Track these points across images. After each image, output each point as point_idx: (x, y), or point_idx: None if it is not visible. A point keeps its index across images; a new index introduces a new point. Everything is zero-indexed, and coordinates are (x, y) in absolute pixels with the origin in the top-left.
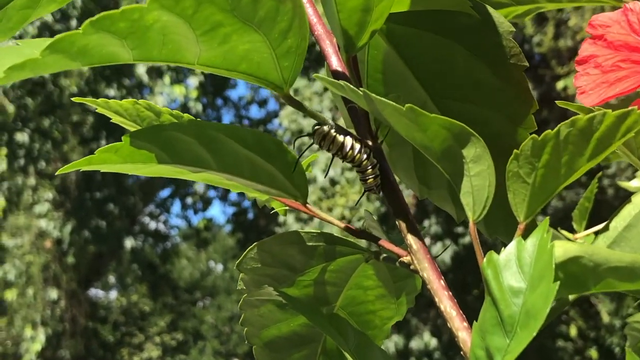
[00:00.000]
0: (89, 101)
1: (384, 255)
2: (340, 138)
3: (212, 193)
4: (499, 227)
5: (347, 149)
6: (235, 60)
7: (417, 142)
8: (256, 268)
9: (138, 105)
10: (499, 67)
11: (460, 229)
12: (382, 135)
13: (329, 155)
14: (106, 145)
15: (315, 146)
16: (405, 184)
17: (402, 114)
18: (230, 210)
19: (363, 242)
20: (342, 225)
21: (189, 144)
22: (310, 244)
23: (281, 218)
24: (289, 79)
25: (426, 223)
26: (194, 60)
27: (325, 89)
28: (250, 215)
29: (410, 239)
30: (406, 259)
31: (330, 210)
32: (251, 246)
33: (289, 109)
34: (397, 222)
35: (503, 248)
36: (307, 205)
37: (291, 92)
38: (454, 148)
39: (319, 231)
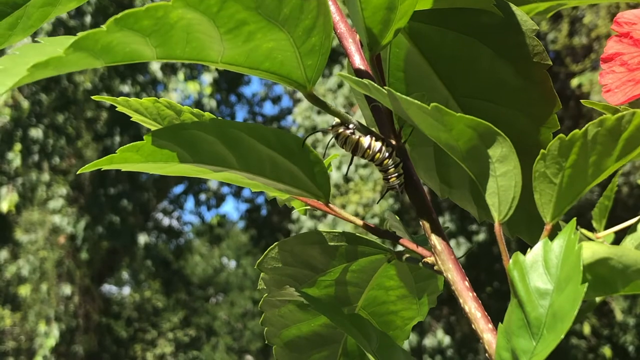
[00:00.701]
0: (109, 99)
1: (407, 255)
2: (361, 138)
3: (225, 189)
4: (522, 227)
5: (368, 149)
6: (259, 58)
7: (441, 142)
8: (277, 268)
9: (158, 104)
10: (522, 66)
11: (474, 227)
12: (406, 135)
13: (345, 151)
14: (127, 145)
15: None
16: (426, 183)
17: (427, 112)
18: (244, 206)
19: (384, 242)
20: (362, 223)
21: (211, 143)
22: (332, 244)
23: (294, 215)
24: (313, 78)
25: (440, 220)
26: (217, 58)
27: (339, 86)
28: (264, 212)
29: (434, 239)
30: (430, 259)
31: (343, 207)
32: (272, 246)
33: (302, 105)
34: (420, 222)
35: (529, 249)
36: (330, 204)
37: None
38: (480, 148)
39: (340, 231)
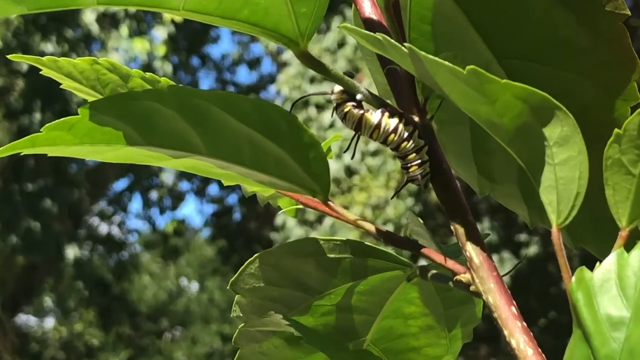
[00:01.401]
0: (31, 60)
1: (433, 271)
2: (367, 113)
3: (184, 185)
4: (587, 234)
5: (377, 127)
6: (235, 4)
7: (480, 118)
8: (258, 288)
9: (98, 66)
10: (589, 17)
11: (523, 236)
12: (433, 109)
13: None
14: (56, 121)
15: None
16: (459, 175)
17: (462, 79)
18: (209, 208)
19: (402, 254)
20: (373, 228)
21: (170, 118)
22: (332, 256)
23: (279, 220)
24: (308, 31)
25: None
26: (178, 4)
27: (340, 45)
28: (237, 216)
29: (471, 249)
30: (464, 277)
31: (345, 209)
32: (252, 258)
33: (290, 71)
34: (451, 227)
35: (598, 264)
36: (330, 202)
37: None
38: (533, 126)
39: (344, 239)
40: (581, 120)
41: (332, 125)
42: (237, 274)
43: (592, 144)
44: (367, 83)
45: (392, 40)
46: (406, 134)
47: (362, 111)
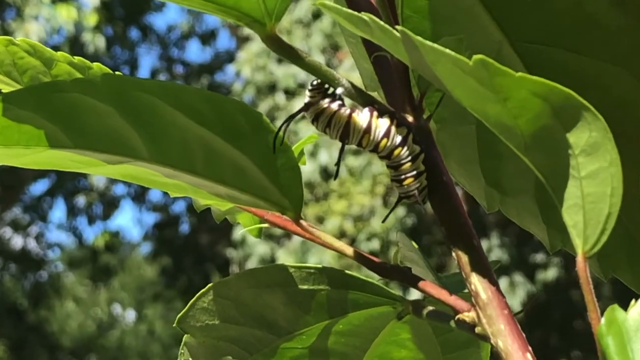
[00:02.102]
0: None
1: (430, 308)
2: (355, 114)
3: (119, 189)
4: (621, 261)
5: (367, 132)
6: None
7: (490, 119)
8: (212, 326)
9: (14, 47)
10: None
11: (538, 258)
12: (430, 106)
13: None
14: None
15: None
16: (462, 186)
17: (468, 71)
18: (150, 218)
19: (390, 285)
20: (352, 252)
21: (104, 115)
22: (305, 287)
23: (237, 234)
24: (276, 9)
25: (483, 246)
26: None
27: (316, 16)
28: (184, 228)
29: (477, 282)
30: (469, 315)
31: (321, 221)
32: (204, 289)
33: (252, 48)
34: (453, 253)
35: (634, 301)
36: (302, 221)
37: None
38: (554, 130)
39: (319, 266)
40: (614, 120)
41: (303, 116)
42: (185, 309)
43: (627, 149)
44: (348, 65)
45: (381, 22)
46: (399, 139)
47: (348, 111)
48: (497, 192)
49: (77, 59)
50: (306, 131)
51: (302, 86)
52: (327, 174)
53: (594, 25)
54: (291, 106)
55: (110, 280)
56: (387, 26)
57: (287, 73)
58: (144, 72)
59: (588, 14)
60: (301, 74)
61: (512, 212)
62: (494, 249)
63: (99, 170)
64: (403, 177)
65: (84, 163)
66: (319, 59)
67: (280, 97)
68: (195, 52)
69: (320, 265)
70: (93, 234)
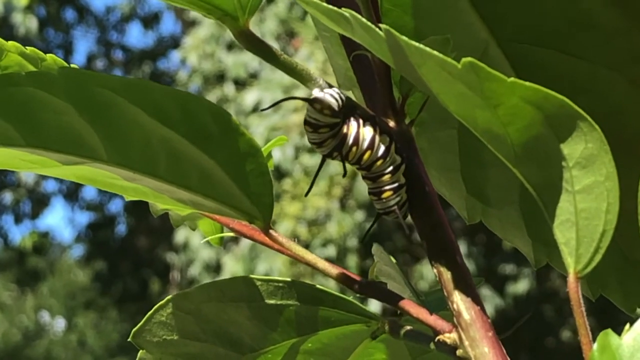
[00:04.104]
0: None
1: (408, 327)
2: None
3: (50, 185)
4: (610, 278)
5: (357, 144)
6: None
7: (478, 127)
8: (170, 342)
9: None
10: None
11: (508, 269)
12: (413, 111)
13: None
14: None
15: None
16: (441, 194)
17: (456, 74)
18: (83, 218)
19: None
20: (335, 271)
21: (60, 112)
22: (272, 302)
23: (180, 236)
24: (250, 3)
25: None
26: None
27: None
28: (121, 229)
29: (460, 301)
30: (450, 337)
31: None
32: (162, 302)
33: (200, 33)
34: (434, 269)
35: (628, 326)
36: (271, 231)
37: None
38: (547, 140)
39: (288, 280)
40: (607, 128)
41: (255, 109)
42: (142, 322)
43: (624, 161)
44: (304, 54)
45: (364, 20)
46: (382, 149)
47: (356, 125)
48: (480, 202)
49: (29, 49)
50: (257, 126)
51: (253, 76)
52: (279, 173)
53: (588, 26)
54: (241, 98)
55: (38, 285)
56: (369, 24)
57: (238, 62)
58: (79, 57)
59: (582, 13)
60: (253, 63)
61: (494, 224)
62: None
63: (52, 171)
64: (382, 189)
65: (37, 163)
66: (273, 45)
67: (229, 88)
68: (136, 36)
69: (289, 279)
70: (20, 234)
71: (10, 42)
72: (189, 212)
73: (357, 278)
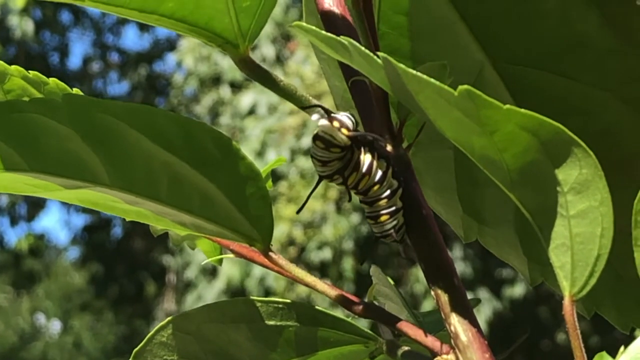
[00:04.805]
0: None
1: (405, 348)
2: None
3: None
4: (605, 298)
5: (357, 169)
6: None
7: (475, 153)
8: None
9: None
10: (615, 10)
11: (504, 272)
12: (411, 135)
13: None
14: None
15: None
16: (438, 214)
17: (453, 102)
18: (79, 220)
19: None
20: (334, 293)
21: (64, 138)
22: (272, 323)
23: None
24: (250, 31)
25: None
26: None
27: None
28: (117, 231)
29: (457, 323)
30: (447, 358)
31: None
32: (163, 322)
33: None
34: (432, 291)
35: (623, 348)
36: (271, 253)
37: None
38: (542, 166)
39: (288, 301)
40: (600, 148)
41: (252, 111)
42: (143, 342)
43: (617, 180)
44: (300, 57)
45: (362, 48)
46: (380, 174)
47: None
48: (475, 222)
49: (32, 73)
50: (253, 128)
51: (249, 79)
52: (275, 176)
53: (582, 48)
54: (237, 100)
55: (34, 287)
56: (368, 52)
57: (234, 64)
58: (75, 59)
59: (576, 35)
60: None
61: (490, 242)
62: (456, 261)
63: (55, 194)
64: (379, 214)
65: (41, 187)
66: (268, 49)
67: (225, 91)
68: (132, 38)
69: (289, 300)
70: (16, 237)
71: (14, 66)
72: (189, 232)
73: (356, 300)
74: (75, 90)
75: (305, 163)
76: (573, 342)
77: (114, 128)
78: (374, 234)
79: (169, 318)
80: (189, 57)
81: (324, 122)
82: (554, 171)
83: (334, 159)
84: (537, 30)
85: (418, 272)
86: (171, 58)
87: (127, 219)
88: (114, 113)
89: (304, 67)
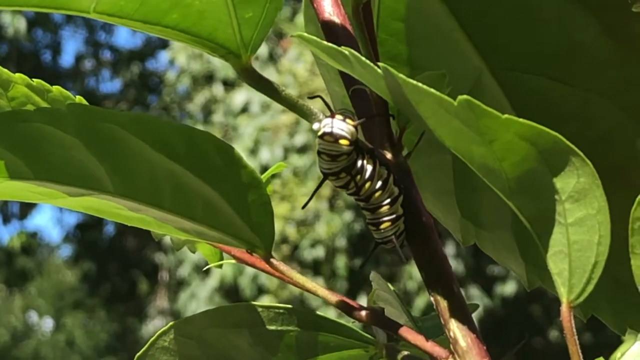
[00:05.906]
0: None
1: (405, 353)
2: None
3: None
4: (601, 302)
5: (361, 174)
6: (162, 5)
7: (474, 162)
8: None
9: None
10: (613, 18)
11: (496, 269)
12: (410, 143)
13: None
14: None
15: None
16: (437, 218)
17: (452, 111)
18: (71, 218)
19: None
20: (334, 298)
21: (69, 147)
22: (273, 328)
23: (166, 237)
24: (253, 41)
25: None
26: (88, 5)
27: None
28: (109, 229)
29: (456, 329)
30: None
31: None
32: (165, 327)
33: None
34: (431, 297)
35: (619, 354)
36: (272, 259)
37: None
38: (541, 175)
39: (289, 307)
40: (597, 154)
41: (245, 109)
42: (145, 347)
43: (614, 185)
44: (293, 55)
45: (362, 58)
46: (380, 181)
47: (360, 157)
48: (473, 225)
49: (35, 81)
50: (246, 126)
51: None
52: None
53: (580, 54)
54: (230, 98)
55: (26, 285)
56: (368, 62)
57: (226, 64)
58: (68, 57)
59: (574, 42)
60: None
61: (488, 246)
62: (449, 259)
63: (59, 202)
64: (380, 221)
65: (45, 195)
66: (261, 47)
67: (218, 89)
68: (124, 36)
69: (290, 306)
70: (8, 234)
71: (17, 75)
72: (185, 237)
73: (356, 305)
74: (79, 99)
75: (298, 161)
76: (571, 347)
77: (117, 137)
78: (374, 239)
79: (170, 323)
80: (182, 55)
81: (328, 119)
82: (552, 180)
83: (342, 153)
84: (535, 37)
85: (411, 270)
86: (164, 56)
87: (130, 224)
88: (118, 122)
89: (297, 65)
